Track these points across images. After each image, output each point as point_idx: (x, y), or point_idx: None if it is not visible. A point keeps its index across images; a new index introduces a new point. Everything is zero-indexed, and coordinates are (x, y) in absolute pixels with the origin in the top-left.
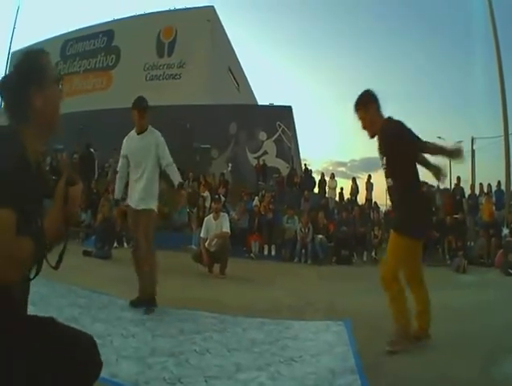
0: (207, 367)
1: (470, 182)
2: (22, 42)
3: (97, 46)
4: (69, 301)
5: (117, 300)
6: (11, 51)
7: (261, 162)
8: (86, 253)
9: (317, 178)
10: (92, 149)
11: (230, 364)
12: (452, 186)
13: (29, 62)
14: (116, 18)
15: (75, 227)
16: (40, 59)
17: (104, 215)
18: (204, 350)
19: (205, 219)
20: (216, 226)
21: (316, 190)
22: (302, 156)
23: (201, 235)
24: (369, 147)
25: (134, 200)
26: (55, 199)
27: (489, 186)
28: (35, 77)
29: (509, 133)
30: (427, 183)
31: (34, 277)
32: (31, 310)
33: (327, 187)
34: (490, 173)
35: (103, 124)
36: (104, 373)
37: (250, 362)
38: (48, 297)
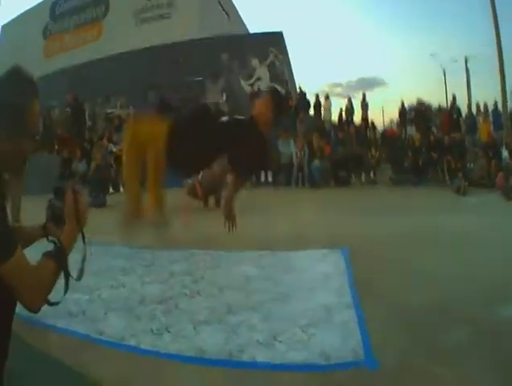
0: (196, 310)
1: (467, 102)
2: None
3: (85, 0)
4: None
5: (110, 248)
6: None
7: (255, 89)
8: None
9: (312, 100)
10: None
11: (221, 305)
12: (449, 105)
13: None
14: None
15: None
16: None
17: (97, 163)
18: (195, 292)
19: None
20: None
21: (312, 112)
22: (298, 80)
23: None
24: (365, 66)
25: None
26: (68, 219)
27: (486, 105)
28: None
29: (502, 51)
30: (423, 103)
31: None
32: None
33: (322, 108)
34: (486, 93)
35: (97, 74)
36: (90, 330)
37: (242, 301)
38: (41, 252)
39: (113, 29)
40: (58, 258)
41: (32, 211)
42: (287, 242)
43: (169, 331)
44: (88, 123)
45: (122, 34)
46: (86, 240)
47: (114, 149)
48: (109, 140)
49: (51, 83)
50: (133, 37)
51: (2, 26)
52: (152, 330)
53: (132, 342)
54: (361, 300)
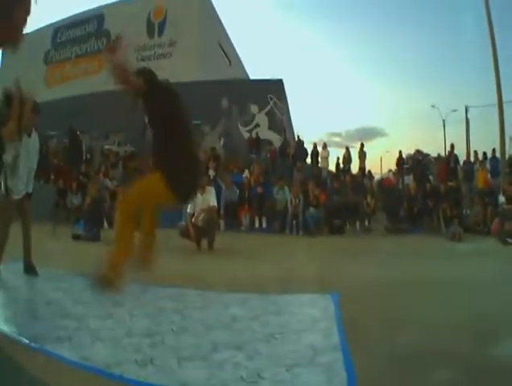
0: (182, 346)
1: (465, 150)
2: None
3: (87, 31)
4: (54, 285)
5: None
6: None
7: (253, 135)
8: (75, 237)
9: (310, 148)
10: (78, 132)
11: (207, 343)
12: (446, 154)
13: None
14: (106, 2)
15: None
16: None
17: (92, 197)
18: (182, 329)
19: None
20: (203, 200)
21: (309, 160)
22: (296, 128)
23: (188, 210)
24: (365, 117)
25: None
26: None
27: (484, 154)
28: None
29: (503, 101)
30: (421, 152)
31: None
32: (17, 294)
33: (319, 157)
34: (485, 142)
35: (97, 107)
36: (76, 357)
37: (228, 340)
38: (34, 282)
39: None
40: None
41: (17, 237)
42: (278, 286)
43: (153, 363)
44: (86, 156)
45: None
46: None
47: (110, 185)
48: (105, 175)
49: (51, 111)
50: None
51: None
52: (137, 361)
53: (116, 371)
54: (349, 343)
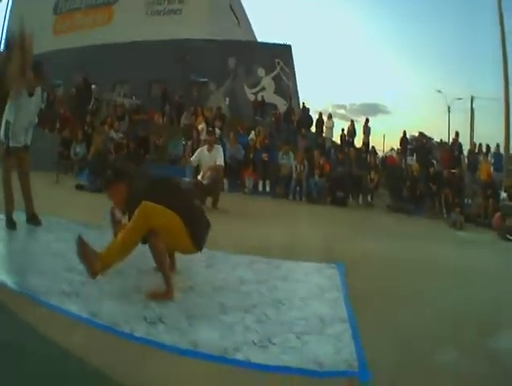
0: (191, 306)
1: (469, 140)
2: None
3: None
4: (57, 235)
5: (107, 233)
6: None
7: (259, 98)
8: (79, 187)
9: (315, 117)
10: (93, 86)
11: (215, 304)
12: (450, 141)
13: None
14: None
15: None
16: None
17: (97, 148)
18: (189, 288)
19: (199, 149)
20: (209, 158)
21: (314, 129)
22: (301, 97)
23: (192, 159)
24: (369, 92)
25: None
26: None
27: (488, 147)
28: None
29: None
30: (424, 136)
31: None
32: (18, 246)
33: (324, 127)
34: (488, 135)
35: (104, 58)
36: (84, 312)
37: (236, 302)
38: (36, 232)
39: (124, 16)
40: None
41: (19, 185)
42: (283, 251)
43: (162, 321)
44: (92, 107)
45: (132, 22)
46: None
47: (115, 137)
48: (111, 126)
49: (58, 60)
50: (142, 27)
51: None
52: (146, 318)
53: (126, 329)
54: (356, 315)
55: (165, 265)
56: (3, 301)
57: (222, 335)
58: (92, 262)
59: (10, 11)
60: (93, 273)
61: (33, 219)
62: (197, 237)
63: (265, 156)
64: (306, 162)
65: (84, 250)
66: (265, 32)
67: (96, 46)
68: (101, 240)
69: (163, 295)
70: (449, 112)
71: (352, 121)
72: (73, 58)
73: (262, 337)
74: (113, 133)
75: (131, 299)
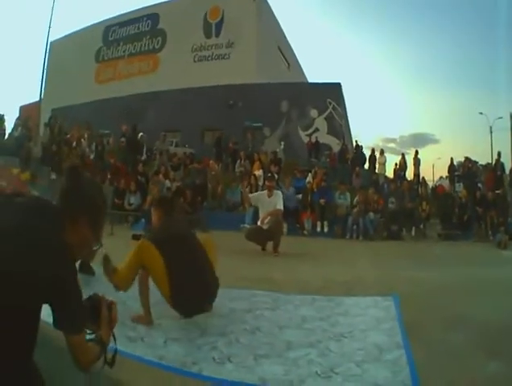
0: (257, 345)
1: (510, 158)
2: (61, 31)
3: (141, 29)
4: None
5: None
6: (49, 40)
7: (313, 140)
8: (135, 237)
9: (367, 154)
10: (141, 134)
11: (281, 342)
12: (493, 162)
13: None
14: (160, 1)
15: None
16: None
17: (153, 197)
18: (255, 328)
19: (258, 193)
20: (269, 203)
21: (367, 166)
22: (352, 132)
23: (250, 196)
24: (418, 123)
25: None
26: (103, 325)
27: None
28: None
29: None
30: (470, 160)
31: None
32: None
33: (377, 163)
34: None
35: (152, 106)
36: (150, 356)
37: (301, 339)
38: (94, 283)
39: (170, 63)
40: (102, 347)
41: None
42: (342, 288)
43: (231, 361)
44: (144, 156)
45: (179, 69)
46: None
47: (169, 186)
48: (165, 176)
49: (105, 109)
50: (190, 74)
51: (51, 43)
52: (214, 359)
53: (194, 370)
54: (410, 341)
55: (141, 295)
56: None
57: (288, 370)
58: (111, 277)
59: (48, 60)
60: (115, 285)
61: (87, 268)
62: (176, 293)
63: (322, 201)
64: (361, 201)
65: (106, 265)
66: (314, 71)
67: (143, 94)
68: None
69: (143, 320)
70: (491, 132)
71: (403, 155)
72: (120, 107)
73: (326, 368)
74: (168, 183)
75: (197, 343)
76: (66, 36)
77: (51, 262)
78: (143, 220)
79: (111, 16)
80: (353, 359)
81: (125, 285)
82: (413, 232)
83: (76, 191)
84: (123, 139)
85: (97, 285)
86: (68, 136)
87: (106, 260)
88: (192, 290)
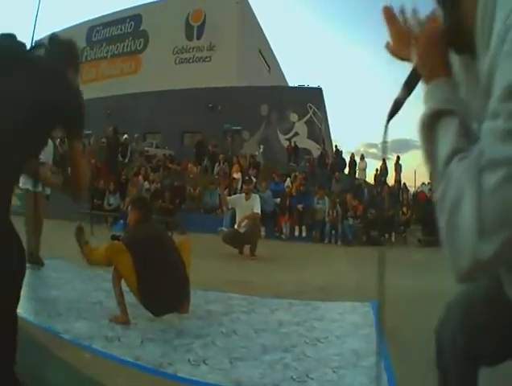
0: (233, 348)
1: None
2: (45, 30)
3: (124, 31)
4: (95, 285)
5: None
6: (34, 39)
7: (292, 144)
8: (114, 237)
9: (347, 158)
10: (126, 136)
11: (256, 345)
12: None
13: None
14: (143, 2)
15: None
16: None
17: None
18: (231, 331)
19: (236, 196)
20: (246, 207)
21: (347, 171)
22: (333, 137)
23: (228, 199)
24: (400, 128)
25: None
26: None
27: None
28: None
29: None
30: None
31: None
32: (56, 295)
33: (357, 168)
34: None
35: (133, 108)
36: (127, 356)
37: (277, 343)
38: (74, 282)
39: (152, 64)
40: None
41: (55, 235)
42: (319, 293)
43: (206, 363)
44: (125, 158)
45: (161, 71)
46: None
47: (149, 187)
48: (145, 178)
49: (86, 109)
50: (171, 76)
51: (36, 42)
52: (189, 361)
53: (169, 370)
54: (388, 347)
55: (115, 295)
56: (46, 345)
57: (263, 373)
58: (82, 247)
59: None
60: (83, 257)
61: (36, 259)
62: (145, 292)
63: (300, 206)
64: (339, 206)
65: (79, 235)
66: (295, 75)
67: (124, 95)
68: None
69: (119, 319)
70: None
71: (383, 160)
72: (102, 107)
73: (301, 373)
74: (147, 184)
75: (173, 344)
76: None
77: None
78: (122, 221)
79: (95, 17)
80: (328, 365)
81: (91, 263)
82: (393, 238)
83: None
84: (104, 140)
85: (44, 277)
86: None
87: (80, 230)
88: (161, 290)
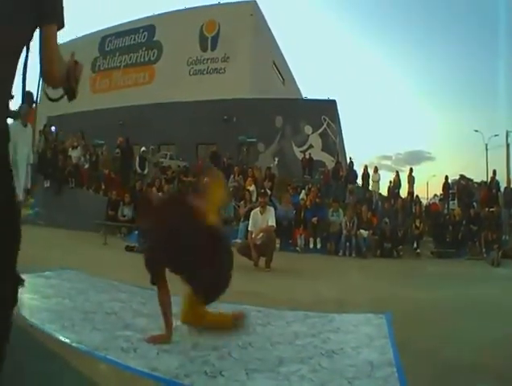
0: (249, 360)
1: (506, 176)
2: (59, 39)
3: (137, 41)
4: (110, 296)
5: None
6: None
7: (307, 156)
8: (129, 249)
9: (360, 171)
10: (143, 148)
11: (272, 357)
12: (489, 180)
13: None
14: (156, 13)
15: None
16: None
17: None
18: (247, 343)
19: (252, 212)
20: (262, 220)
21: (360, 183)
22: (347, 149)
23: (249, 228)
24: (414, 140)
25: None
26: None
27: None
28: None
29: None
30: (465, 178)
31: None
32: (70, 305)
33: (370, 180)
34: None
35: (146, 118)
36: (143, 367)
37: (293, 355)
38: (88, 292)
39: (166, 75)
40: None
41: (68, 245)
42: (334, 305)
43: (222, 375)
44: (138, 169)
45: (175, 82)
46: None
47: None
48: (159, 189)
49: (99, 119)
50: (185, 87)
51: None
52: (206, 372)
53: (186, 382)
54: (402, 358)
55: (163, 313)
56: (61, 356)
57: (279, 385)
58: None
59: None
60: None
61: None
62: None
63: (315, 220)
64: (355, 218)
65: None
66: (310, 87)
67: (138, 106)
68: (151, 300)
69: (162, 338)
70: (487, 150)
71: (397, 172)
72: (115, 117)
73: (317, 384)
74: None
75: (190, 355)
76: (63, 45)
77: None
78: (136, 232)
79: (108, 26)
80: (344, 376)
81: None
82: (407, 251)
83: None
84: (118, 150)
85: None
86: (64, 144)
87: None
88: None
